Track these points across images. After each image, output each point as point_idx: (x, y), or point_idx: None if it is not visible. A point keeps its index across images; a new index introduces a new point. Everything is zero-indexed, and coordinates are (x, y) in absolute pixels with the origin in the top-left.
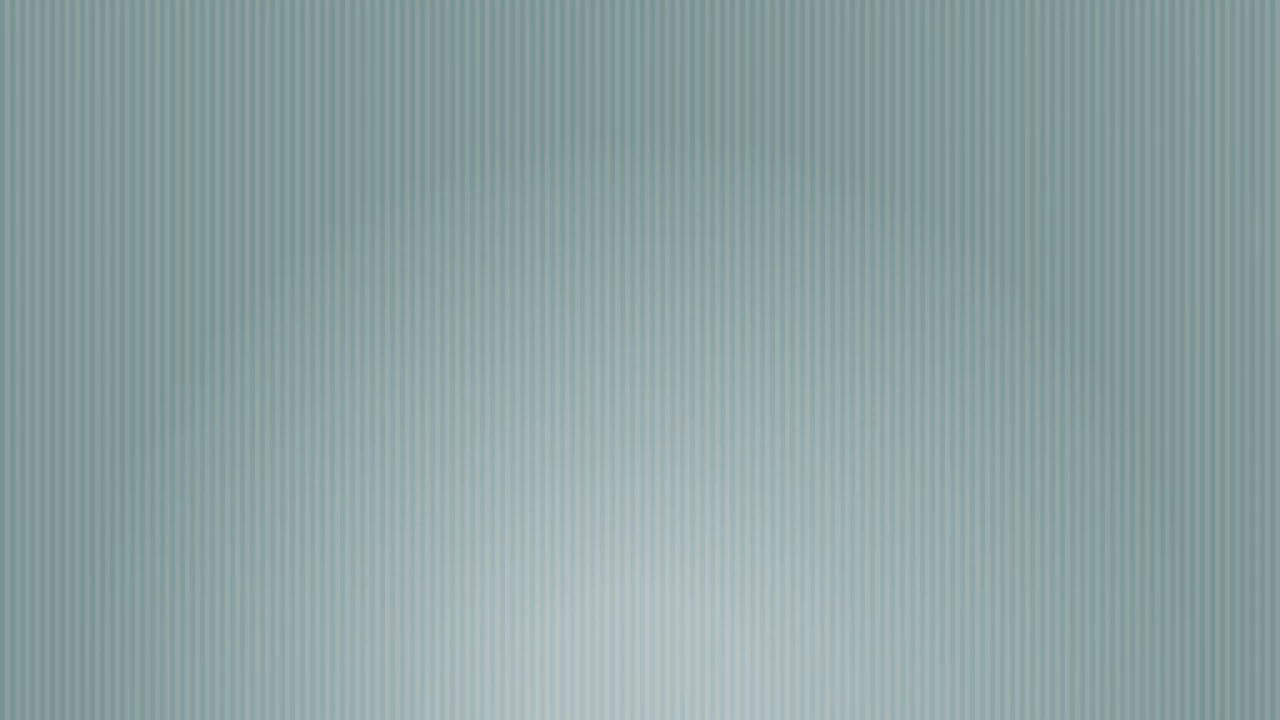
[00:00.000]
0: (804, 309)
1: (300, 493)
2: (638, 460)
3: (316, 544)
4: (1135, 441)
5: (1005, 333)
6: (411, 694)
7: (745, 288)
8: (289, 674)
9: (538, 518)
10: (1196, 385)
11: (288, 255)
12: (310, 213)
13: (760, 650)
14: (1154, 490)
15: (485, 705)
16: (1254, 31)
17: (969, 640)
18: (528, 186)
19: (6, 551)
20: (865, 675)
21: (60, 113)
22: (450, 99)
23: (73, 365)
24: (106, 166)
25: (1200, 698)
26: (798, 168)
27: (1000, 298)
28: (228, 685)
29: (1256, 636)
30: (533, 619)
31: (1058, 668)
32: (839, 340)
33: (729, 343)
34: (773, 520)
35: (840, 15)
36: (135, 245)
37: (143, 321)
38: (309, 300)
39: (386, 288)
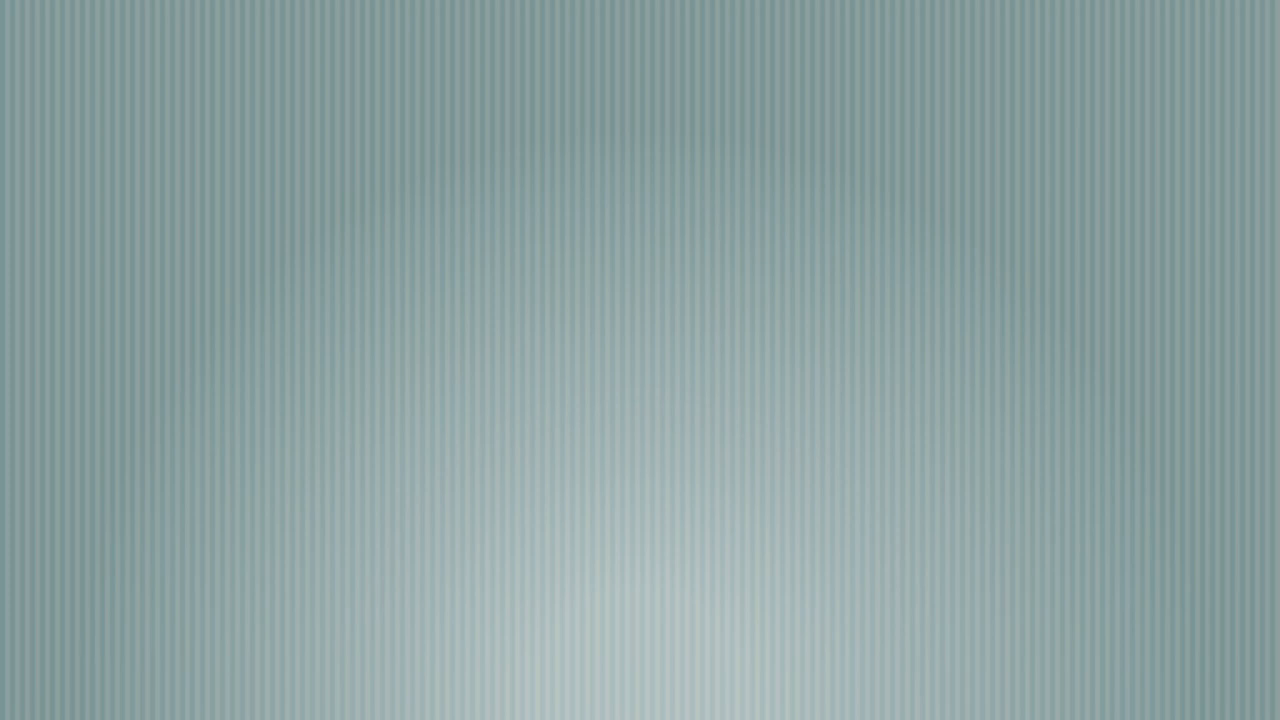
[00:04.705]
0: (806, 311)
1: (300, 493)
2: (639, 461)
3: (316, 544)
4: (1136, 442)
5: (1006, 333)
6: (412, 694)
7: (747, 290)
8: (289, 674)
9: (538, 518)
10: (1197, 386)
11: (287, 256)
12: (311, 213)
13: (762, 650)
14: (1154, 491)
15: (485, 705)
16: (1254, 31)
17: (970, 641)
18: (530, 186)
19: (6, 552)
20: (866, 676)
21: (60, 113)
22: (451, 99)
23: (73, 365)
24: (106, 166)
25: (1200, 697)
26: (801, 169)
27: (1001, 298)
28: (227, 685)
29: (1257, 637)
30: (533, 619)
31: (1058, 668)
32: (841, 342)
33: (730, 344)
34: (774, 521)
35: (844, 16)
36: (135, 246)
37: (143, 322)
38: (309, 301)
39: (387, 288)
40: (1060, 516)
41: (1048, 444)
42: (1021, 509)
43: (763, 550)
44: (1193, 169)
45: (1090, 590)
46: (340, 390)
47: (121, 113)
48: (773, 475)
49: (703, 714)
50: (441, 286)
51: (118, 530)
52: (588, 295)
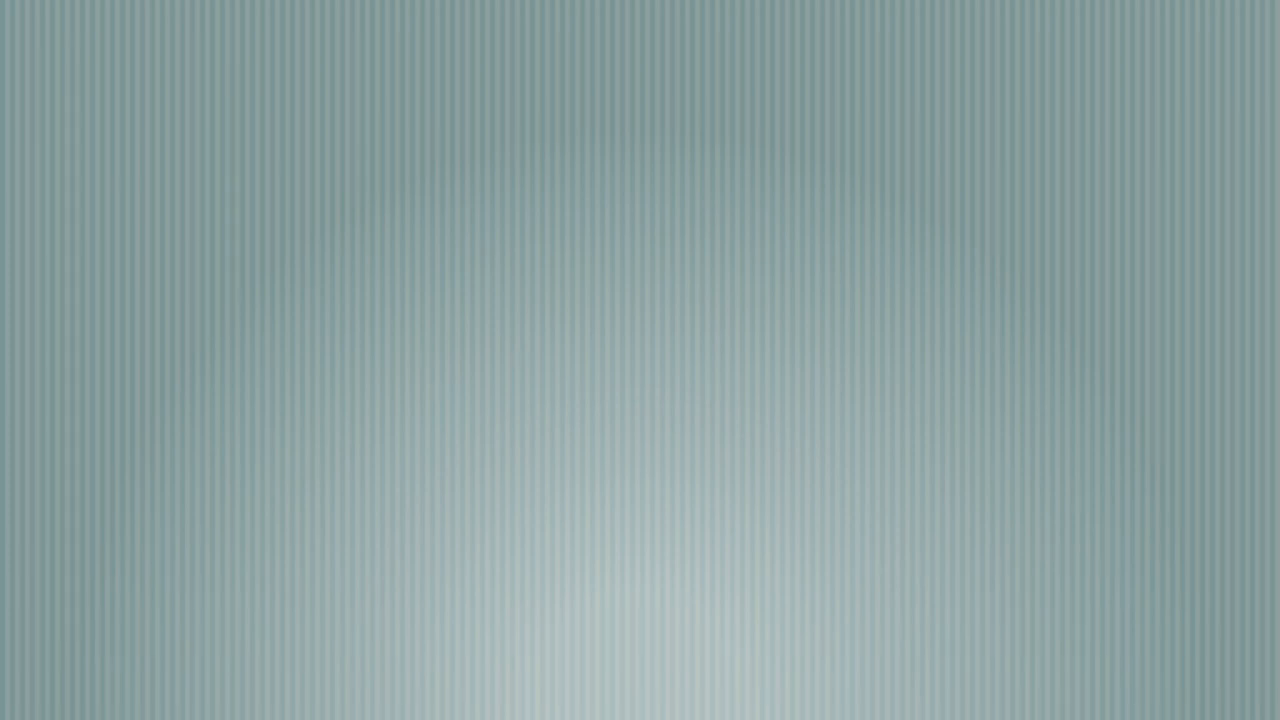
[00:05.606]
0: (806, 311)
1: (300, 493)
2: (639, 461)
3: (316, 544)
4: (1136, 443)
5: (1006, 333)
6: (411, 694)
7: (747, 290)
8: (289, 674)
9: (538, 518)
10: (1197, 387)
11: (288, 256)
12: (311, 213)
13: (762, 650)
14: (1155, 491)
15: (484, 705)
16: (1254, 31)
17: (970, 641)
18: (530, 186)
19: (6, 552)
20: (866, 676)
21: (60, 113)
22: (452, 99)
23: (73, 365)
24: (106, 167)
25: (1201, 697)
26: (801, 169)
27: (1001, 298)
28: (227, 685)
29: (1257, 637)
30: (533, 619)
31: (1058, 668)
32: (841, 342)
33: (730, 344)
34: (774, 521)
35: (844, 16)
36: (135, 246)
37: (143, 322)
38: (309, 301)
39: (387, 288)
40: (1061, 516)
41: (1048, 444)
42: (1022, 509)
43: (763, 550)
44: (1193, 169)
45: (1091, 590)
46: (340, 390)
47: (121, 113)
48: (773, 475)
49: (702, 714)
50: (441, 286)
51: (118, 530)
52: (588, 295)
